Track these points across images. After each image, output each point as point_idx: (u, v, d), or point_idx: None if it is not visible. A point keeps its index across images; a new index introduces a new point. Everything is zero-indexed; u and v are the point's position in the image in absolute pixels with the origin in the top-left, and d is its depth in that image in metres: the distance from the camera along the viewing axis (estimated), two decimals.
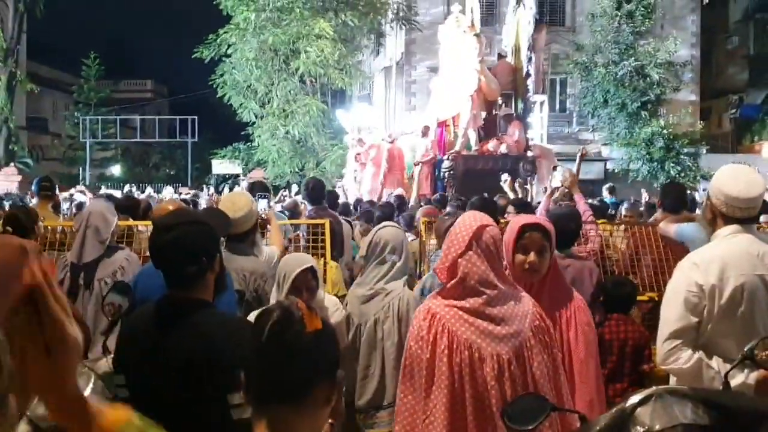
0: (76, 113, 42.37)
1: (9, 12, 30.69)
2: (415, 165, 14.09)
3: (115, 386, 2.39)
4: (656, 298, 4.70)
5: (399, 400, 2.72)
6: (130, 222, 5.56)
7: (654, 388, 1.43)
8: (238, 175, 27.63)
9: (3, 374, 1.05)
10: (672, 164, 24.30)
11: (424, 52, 27.16)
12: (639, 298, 4.71)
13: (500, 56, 15.76)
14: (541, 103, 17.20)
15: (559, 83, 28.70)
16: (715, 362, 2.80)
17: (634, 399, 1.43)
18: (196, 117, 38.00)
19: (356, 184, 15.53)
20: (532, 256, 2.93)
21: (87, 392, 2.32)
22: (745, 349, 2.49)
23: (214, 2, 24.82)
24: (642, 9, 25.06)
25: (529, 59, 14.78)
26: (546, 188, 12.09)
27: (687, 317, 2.83)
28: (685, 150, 24.87)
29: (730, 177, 2.92)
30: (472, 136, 13.91)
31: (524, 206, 6.84)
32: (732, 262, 2.82)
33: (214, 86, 25.85)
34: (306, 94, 24.65)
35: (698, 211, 4.18)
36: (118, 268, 4.17)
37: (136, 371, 2.36)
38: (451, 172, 13.27)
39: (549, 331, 2.71)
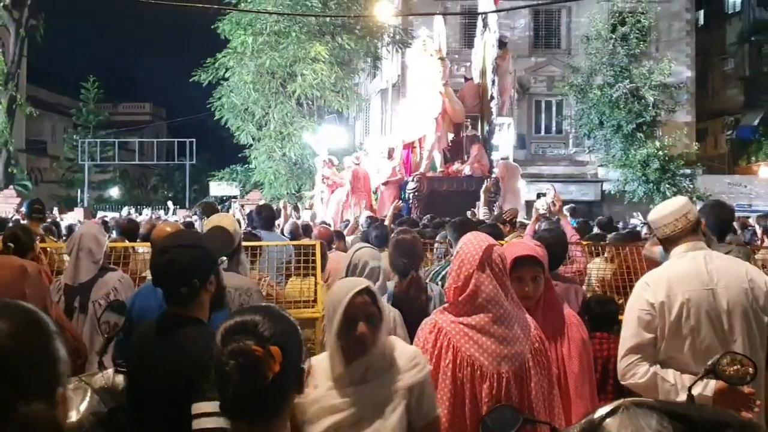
0: (74, 136, 42.54)
1: (10, 36, 30.90)
2: (383, 185, 14.11)
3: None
4: None
5: None
6: (127, 243, 5.61)
7: (622, 400, 1.48)
8: (235, 197, 27.71)
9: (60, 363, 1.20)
10: (668, 185, 24.37)
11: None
12: None
13: (466, 79, 15.91)
14: (508, 125, 17.32)
15: (555, 105, 28.91)
16: (672, 375, 2.92)
17: (603, 410, 1.48)
18: (194, 140, 38.15)
19: (323, 206, 15.54)
20: (526, 287, 3.05)
21: (83, 406, 2.39)
22: (708, 363, 2.60)
23: (212, 26, 25.05)
24: (636, 32, 25.31)
25: (493, 82, 14.97)
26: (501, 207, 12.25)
27: (641, 334, 2.98)
28: (681, 171, 24.97)
29: (656, 206, 3.23)
30: (438, 158, 14.05)
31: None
32: (679, 280, 2.97)
33: (212, 109, 26.00)
34: (302, 117, 24.79)
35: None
36: (112, 290, 4.22)
37: (133, 379, 2.52)
38: (416, 193, 13.35)
39: (547, 353, 2.78)
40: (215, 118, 26.24)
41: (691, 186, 24.81)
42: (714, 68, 34.74)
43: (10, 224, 6.70)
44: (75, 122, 44.46)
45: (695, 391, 2.73)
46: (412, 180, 13.61)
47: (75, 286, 4.23)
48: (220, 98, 25.63)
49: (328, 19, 23.64)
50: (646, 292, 3.01)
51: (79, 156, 38.74)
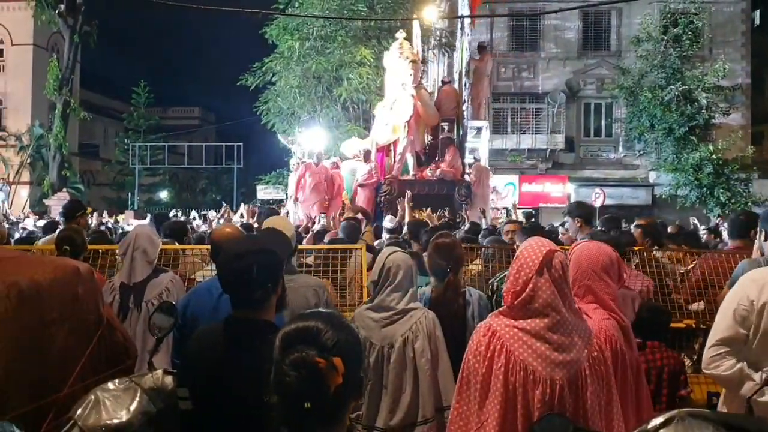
0: (125, 140, 43.59)
1: (65, 43, 31.75)
2: (359, 187, 14.01)
3: (179, 399, 2.50)
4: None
5: (454, 409, 2.79)
6: (177, 246, 5.67)
7: (677, 410, 1.41)
8: (281, 201, 27.95)
9: None
10: (722, 190, 23.71)
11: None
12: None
13: (444, 82, 15.76)
14: (485, 128, 17.10)
15: (604, 107, 28.48)
16: (758, 376, 2.85)
17: (657, 420, 1.43)
18: (241, 144, 38.61)
19: (295, 208, 15.50)
20: None
21: (134, 406, 2.40)
22: (764, 369, 2.52)
23: (260, 32, 25.37)
24: (689, 33, 24.71)
25: (465, 85, 14.86)
26: (483, 210, 12.16)
27: (735, 328, 2.93)
28: (736, 175, 24.28)
29: None
30: (410, 161, 13.92)
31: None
32: None
33: (258, 113, 26.32)
34: (348, 121, 24.90)
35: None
36: (164, 290, 4.32)
37: (201, 386, 2.47)
38: (387, 196, 13.18)
39: (606, 362, 2.72)
40: (262, 123, 26.57)
41: (746, 191, 24.10)
42: None
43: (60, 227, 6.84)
44: (126, 126, 45.60)
45: (761, 400, 2.70)
46: (384, 183, 13.50)
47: (129, 286, 4.33)
48: (266, 102, 25.95)
49: (373, 23, 23.71)
50: (750, 289, 2.95)
51: (130, 159, 39.64)
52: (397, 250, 3.95)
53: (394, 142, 14.23)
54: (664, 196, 25.35)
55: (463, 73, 15.13)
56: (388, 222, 10.44)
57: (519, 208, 16.83)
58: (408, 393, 3.57)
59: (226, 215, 12.83)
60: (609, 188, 25.44)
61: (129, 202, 37.47)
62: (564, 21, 27.92)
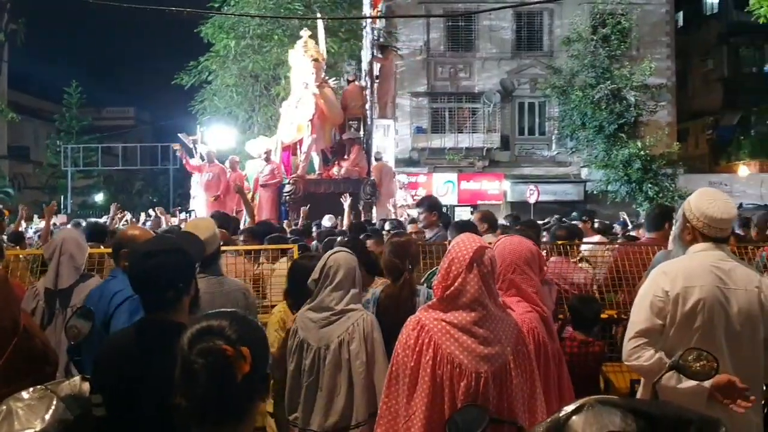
0: (57, 141, 42.19)
1: None
2: (261, 187, 13.91)
3: (92, 405, 2.43)
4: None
5: (383, 404, 2.82)
6: (103, 249, 5.53)
7: (586, 398, 1.50)
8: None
9: None
10: (650, 185, 24.45)
11: (407, 79, 27.45)
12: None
13: (349, 81, 15.87)
14: (389, 127, 17.39)
15: (538, 106, 29.04)
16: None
17: (568, 408, 1.49)
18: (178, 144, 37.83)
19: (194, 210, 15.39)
20: None
21: (49, 414, 2.34)
22: (672, 360, 2.65)
23: (195, 30, 25.01)
24: (617, 33, 25.40)
25: (368, 84, 15.10)
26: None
27: (652, 319, 3.03)
28: (663, 171, 25.08)
29: (710, 201, 3.13)
30: (316, 160, 14.05)
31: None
32: (697, 274, 3.02)
33: (194, 112, 25.94)
34: None
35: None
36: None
37: (114, 391, 2.41)
38: (293, 195, 13.28)
39: (530, 355, 2.81)
40: (198, 122, 26.14)
41: (673, 185, 24.92)
42: (694, 69, 35.02)
43: None
44: (58, 127, 44.15)
45: (667, 385, 2.81)
46: (289, 182, 13.54)
47: (55, 291, 4.19)
48: (202, 102, 25.59)
49: (310, 22, 23.63)
50: (663, 281, 3.06)
51: (62, 162, 38.41)
52: (342, 249, 3.88)
53: (300, 141, 14.19)
54: (595, 192, 25.94)
55: (366, 71, 15.23)
56: (327, 220, 10.45)
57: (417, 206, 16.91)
58: (342, 395, 3.51)
59: (117, 217, 12.36)
60: (543, 185, 25.94)
61: (62, 206, 36.36)
62: (499, 21, 28.34)
